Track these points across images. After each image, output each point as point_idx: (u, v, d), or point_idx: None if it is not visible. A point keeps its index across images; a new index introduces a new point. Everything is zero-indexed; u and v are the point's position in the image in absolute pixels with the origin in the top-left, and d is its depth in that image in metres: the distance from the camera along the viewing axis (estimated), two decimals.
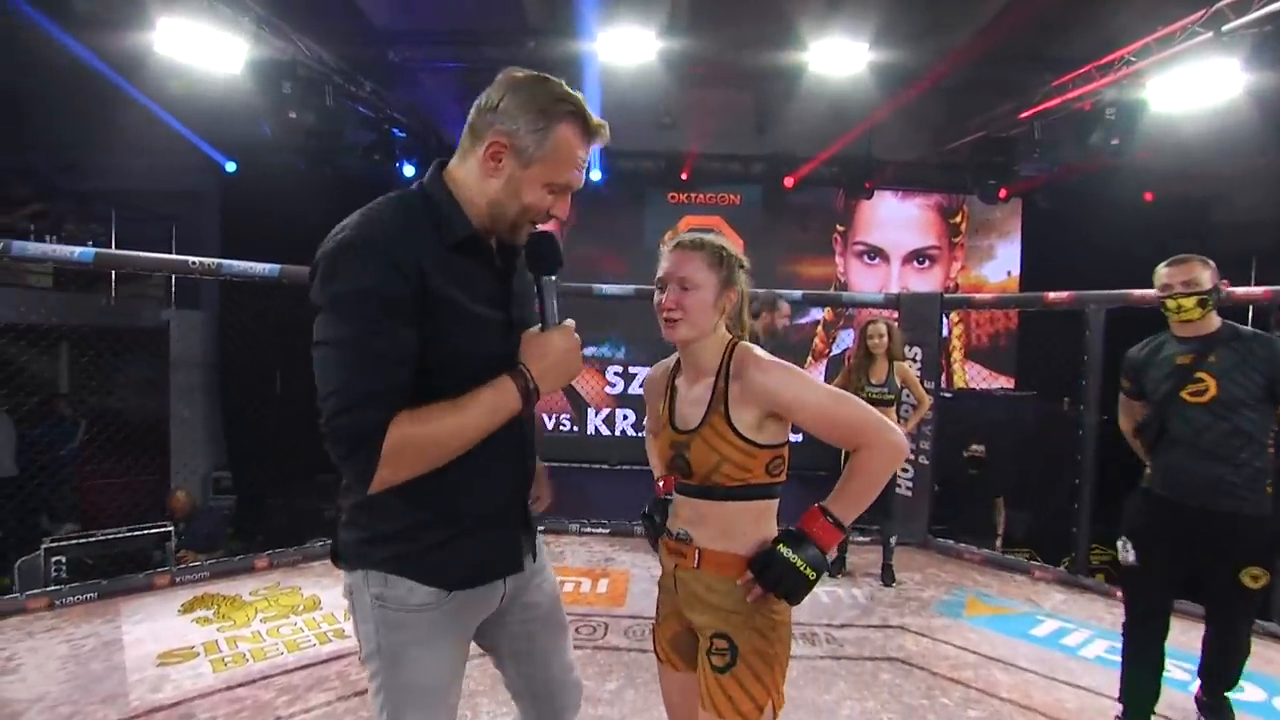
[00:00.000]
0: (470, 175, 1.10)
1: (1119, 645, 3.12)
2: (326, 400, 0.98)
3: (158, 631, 3.03)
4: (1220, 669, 2.43)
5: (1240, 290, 3.61)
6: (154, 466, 6.20)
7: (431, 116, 7.04)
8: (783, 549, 1.22)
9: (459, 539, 1.13)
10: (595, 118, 1.09)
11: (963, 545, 4.51)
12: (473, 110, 1.09)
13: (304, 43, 4.60)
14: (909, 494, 4.56)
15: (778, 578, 1.21)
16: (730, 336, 1.37)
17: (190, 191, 7.60)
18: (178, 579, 3.60)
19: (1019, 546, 5.61)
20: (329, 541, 4.32)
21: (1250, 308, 5.00)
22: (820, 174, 7.42)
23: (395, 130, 6.50)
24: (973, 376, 8.20)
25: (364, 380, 0.98)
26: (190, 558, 4.36)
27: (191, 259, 3.69)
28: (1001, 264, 8.18)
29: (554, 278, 1.14)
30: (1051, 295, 4.11)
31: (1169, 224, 7.31)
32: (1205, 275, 2.20)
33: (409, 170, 7.09)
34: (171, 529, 4.13)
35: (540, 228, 1.16)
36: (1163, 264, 2.29)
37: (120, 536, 3.80)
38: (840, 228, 8.20)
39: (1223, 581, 2.22)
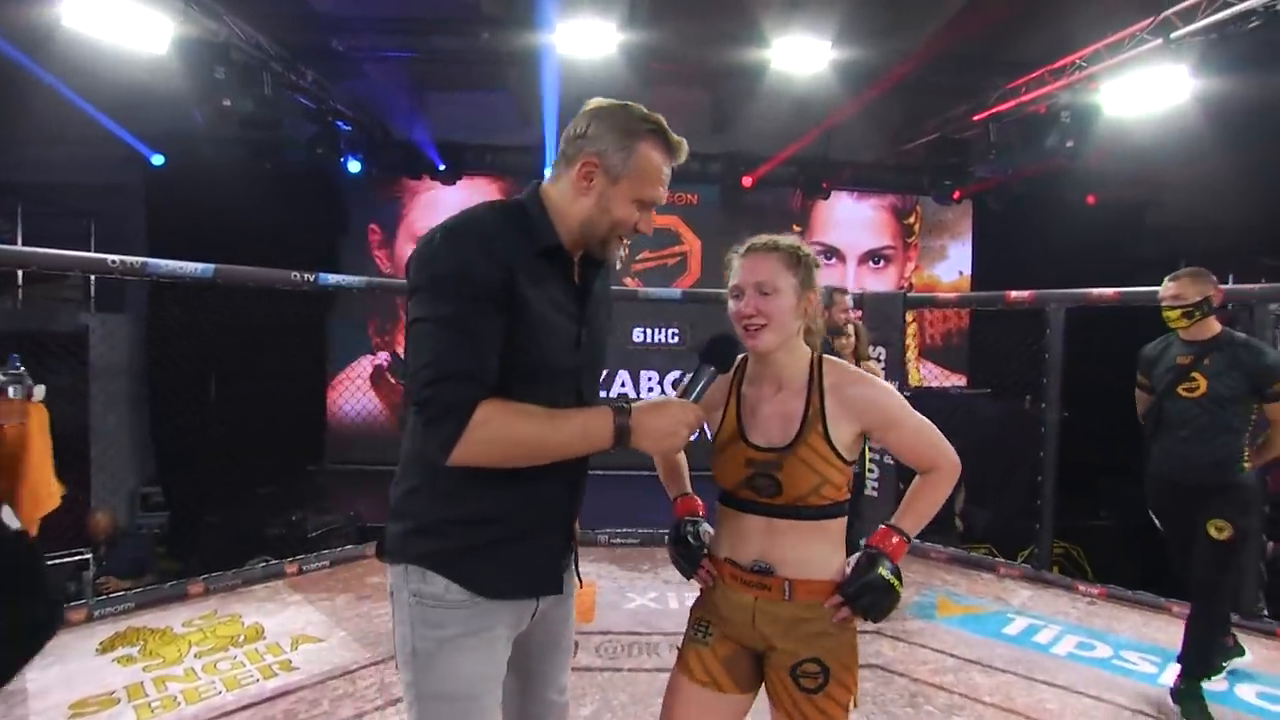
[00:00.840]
0: (563, 195, 1.17)
1: (1089, 640, 3.21)
2: (421, 371, 1.04)
3: (71, 676, 2.68)
4: (1196, 643, 2.60)
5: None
6: (72, 484, 5.67)
7: (378, 109, 6.71)
8: (882, 572, 1.22)
9: (501, 546, 1.13)
10: (675, 136, 1.17)
11: (929, 544, 4.52)
12: (562, 140, 1.19)
13: (237, 24, 4.25)
14: (875, 494, 4.55)
15: (872, 601, 1.22)
16: (810, 348, 1.34)
17: (112, 185, 7.04)
18: (96, 612, 3.23)
19: (978, 542, 5.69)
20: (271, 561, 4.07)
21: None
22: (778, 174, 7.42)
23: (339, 123, 6.16)
24: (926, 375, 8.36)
25: (458, 355, 1.03)
26: (113, 586, 3.97)
27: (111, 257, 3.34)
28: (954, 264, 8.37)
29: (714, 370, 1.21)
30: (1013, 294, 4.16)
31: (1107, 227, 7.62)
32: (1191, 290, 2.57)
33: (354, 166, 6.75)
34: (90, 555, 3.74)
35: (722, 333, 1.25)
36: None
37: None
38: (797, 228, 8.22)
39: (1200, 540, 2.56)
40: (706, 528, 1.41)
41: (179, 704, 2.53)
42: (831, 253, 8.25)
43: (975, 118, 5.77)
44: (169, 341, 6.10)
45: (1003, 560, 4.35)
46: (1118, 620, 3.30)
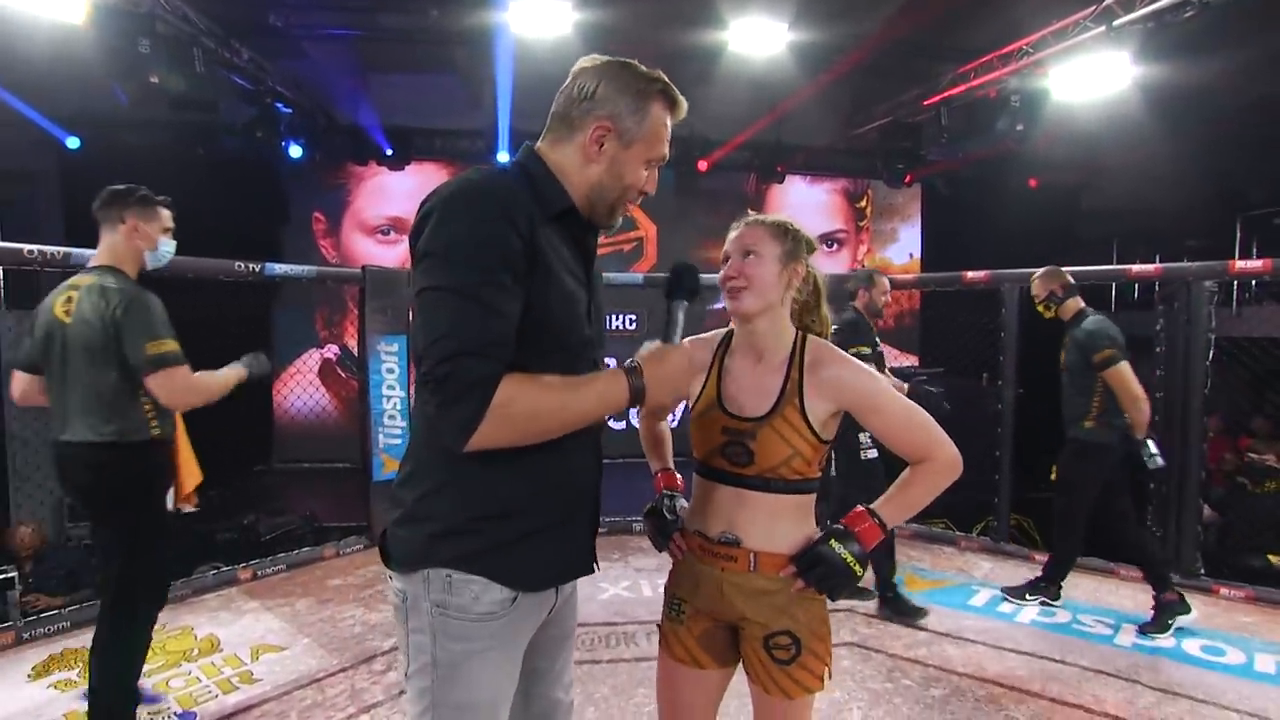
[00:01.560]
0: (568, 161, 1.11)
1: (1051, 608, 3.34)
2: (434, 345, 0.94)
3: (1, 707, 2.47)
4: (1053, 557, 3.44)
5: (1136, 268, 3.91)
6: None
7: (321, 91, 6.37)
8: (833, 544, 1.21)
9: (536, 536, 1.08)
10: (679, 94, 1.14)
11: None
12: (562, 100, 1.12)
13: None
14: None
15: (824, 573, 1.21)
16: (797, 329, 1.35)
17: (21, 172, 6.48)
18: (25, 635, 2.98)
19: (935, 517, 5.87)
20: (222, 568, 3.85)
21: (1136, 285, 5.58)
22: (733, 158, 7.42)
23: (279, 105, 5.80)
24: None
25: (477, 328, 0.95)
26: (43, 603, 3.68)
27: (28, 247, 3.07)
28: (904, 246, 8.57)
29: (686, 303, 1.18)
30: (970, 274, 4.26)
31: (1047, 209, 7.93)
32: (1040, 288, 3.27)
33: (296, 151, 6.40)
34: (15, 573, 3.45)
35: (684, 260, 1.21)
36: None
37: None
38: (752, 212, 8.24)
39: None
40: (682, 502, 1.44)
41: None
42: None
43: (926, 102, 5.88)
44: None
45: (963, 534, 4.50)
46: (1073, 586, 3.44)
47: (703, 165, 7.44)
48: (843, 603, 3.42)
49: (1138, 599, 3.41)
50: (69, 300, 2.04)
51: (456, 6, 5.09)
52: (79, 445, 2.02)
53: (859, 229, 8.53)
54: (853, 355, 3.31)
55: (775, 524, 1.27)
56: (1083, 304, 3.21)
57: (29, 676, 2.70)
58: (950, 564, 3.99)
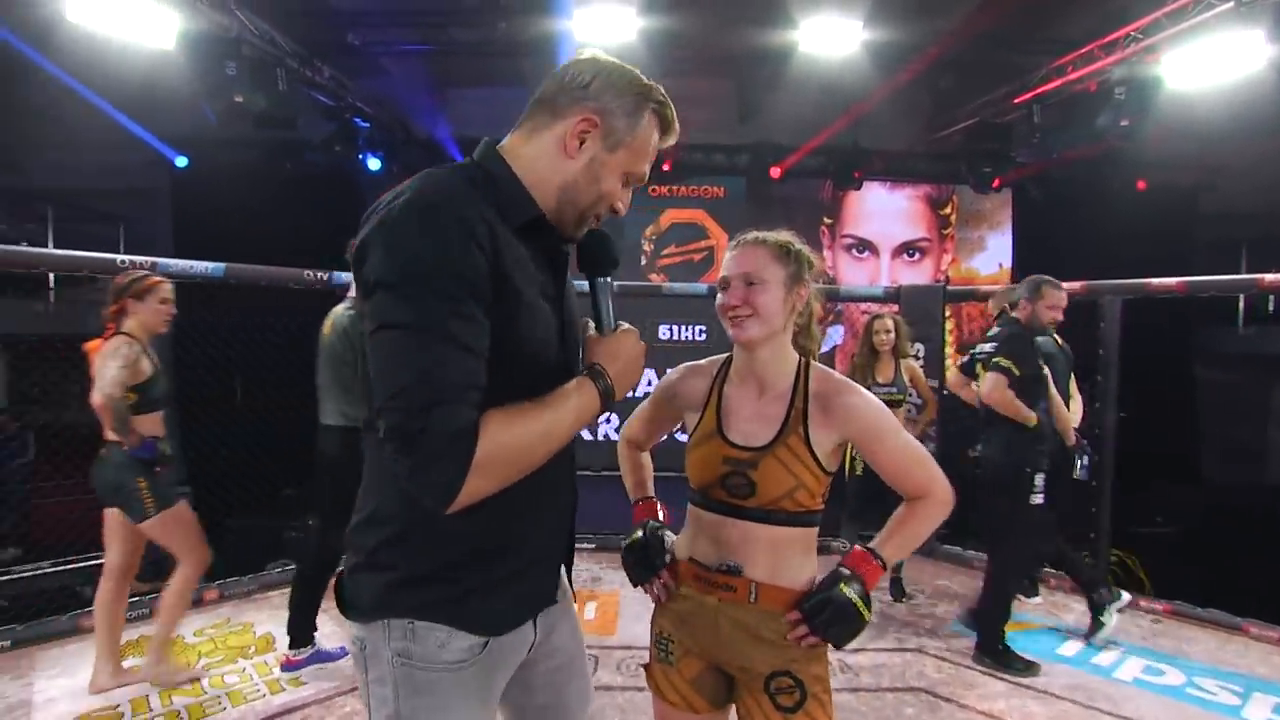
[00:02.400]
0: (542, 155, 0.98)
1: (1156, 665, 2.93)
2: (401, 395, 0.81)
3: (78, 688, 2.61)
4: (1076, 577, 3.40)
5: (1270, 277, 3.42)
6: None
7: (397, 105, 6.63)
8: (844, 589, 1.15)
9: (507, 579, 0.98)
10: (674, 116, 1.04)
11: (971, 552, 4.25)
12: (552, 85, 1.00)
13: (248, 18, 4.17)
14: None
15: (831, 620, 1.15)
16: (797, 354, 1.29)
17: (137, 189, 7.10)
18: None
19: None
20: (288, 565, 3.98)
21: (1272, 297, 4.85)
22: (807, 164, 7.15)
23: (357, 120, 6.08)
24: None
25: (449, 371, 0.82)
26: (134, 588, 3.93)
27: (120, 257, 3.30)
28: (992, 256, 7.98)
29: (610, 279, 1.07)
30: (1065, 285, 3.85)
31: (1157, 213, 7.17)
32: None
33: (374, 164, 6.68)
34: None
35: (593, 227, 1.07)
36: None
37: (43, 572, 3.37)
38: (828, 220, 7.93)
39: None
40: (670, 535, 1.36)
41: None
42: (864, 246, 7.93)
43: (1016, 100, 5.43)
44: (195, 344, 6.13)
45: (1052, 570, 4.06)
46: (1188, 642, 3.02)
47: (775, 172, 7.21)
48: (911, 640, 3.14)
49: (1271, 662, 2.94)
50: (329, 322, 2.77)
51: (524, 17, 5.16)
52: (322, 427, 2.79)
53: (943, 237, 8.02)
54: (1006, 367, 2.95)
55: (778, 557, 1.21)
56: None
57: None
58: (1036, 605, 3.60)
